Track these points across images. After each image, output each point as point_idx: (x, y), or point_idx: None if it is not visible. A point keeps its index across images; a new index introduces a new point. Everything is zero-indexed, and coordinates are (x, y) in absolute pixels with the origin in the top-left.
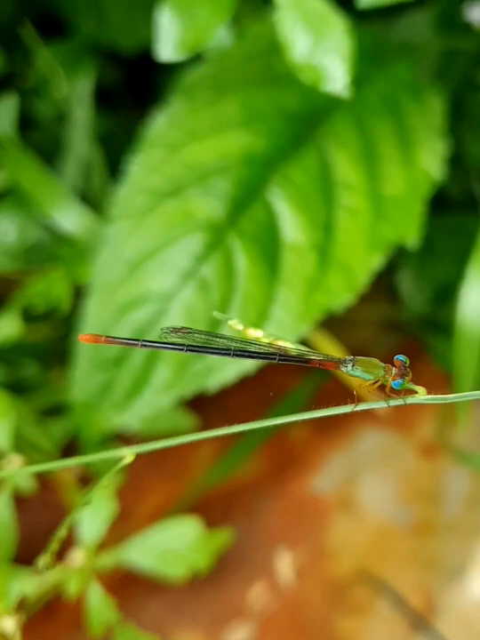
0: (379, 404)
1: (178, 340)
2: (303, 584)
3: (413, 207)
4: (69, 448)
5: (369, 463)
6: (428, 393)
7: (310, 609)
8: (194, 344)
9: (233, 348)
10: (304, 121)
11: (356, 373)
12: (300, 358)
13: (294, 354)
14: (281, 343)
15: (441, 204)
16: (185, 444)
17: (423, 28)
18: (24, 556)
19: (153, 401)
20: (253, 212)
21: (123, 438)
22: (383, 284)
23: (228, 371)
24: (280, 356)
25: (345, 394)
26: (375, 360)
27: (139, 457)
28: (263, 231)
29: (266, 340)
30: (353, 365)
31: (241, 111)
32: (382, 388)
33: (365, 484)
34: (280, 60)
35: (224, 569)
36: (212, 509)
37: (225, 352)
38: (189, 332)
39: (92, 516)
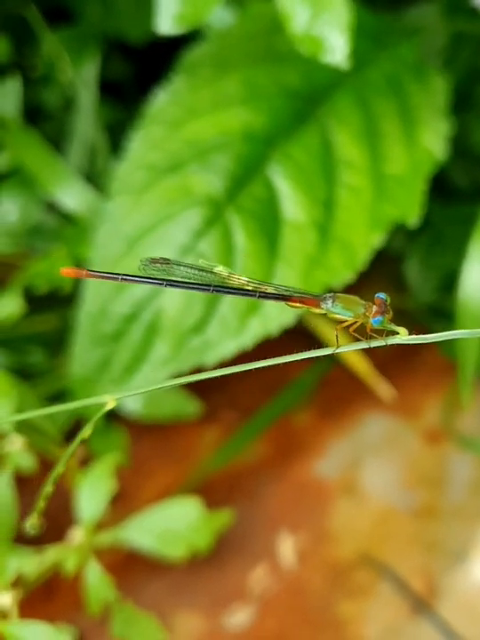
0: (359, 345)
1: (157, 273)
2: (305, 567)
3: (415, 186)
4: (73, 432)
5: (373, 448)
6: (434, 380)
7: (311, 592)
8: (174, 278)
9: (213, 284)
10: (306, 99)
11: (336, 310)
12: (280, 295)
13: (275, 291)
14: (264, 287)
15: (448, 193)
16: (189, 430)
17: (432, 16)
18: (25, 537)
19: (151, 376)
20: (253, 189)
21: (127, 422)
22: (390, 273)
23: (226, 346)
24: (260, 292)
25: (350, 380)
26: (356, 298)
27: (143, 440)
28: (263, 208)
29: (250, 287)
30: (333, 302)
31: (242, 88)
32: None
33: (369, 469)
34: (282, 39)
35: (226, 551)
36: (215, 493)
37: (205, 288)
38: (168, 263)
39: (90, 494)
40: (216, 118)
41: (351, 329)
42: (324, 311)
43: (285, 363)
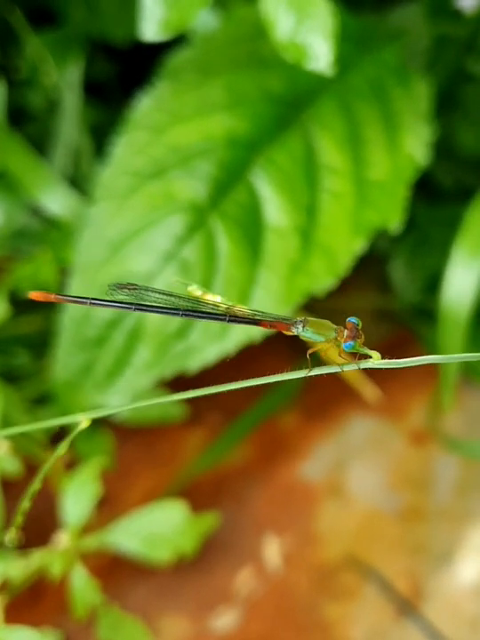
0: (331, 369)
1: (126, 298)
2: (290, 569)
3: (397, 191)
4: (59, 435)
5: (358, 450)
6: (418, 382)
7: (297, 594)
8: (142, 302)
9: (182, 309)
10: (289, 104)
11: (307, 335)
12: (251, 319)
13: (245, 315)
14: (237, 308)
15: (433, 194)
16: (174, 433)
17: (415, 18)
18: None
19: (134, 381)
20: (236, 195)
21: (112, 425)
22: (376, 274)
23: (209, 352)
24: (230, 316)
25: (334, 382)
26: (327, 322)
27: (128, 444)
28: (246, 213)
29: (223, 306)
30: (304, 327)
31: (226, 94)
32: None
33: (354, 471)
34: (266, 44)
35: (211, 554)
36: (200, 496)
37: (174, 312)
38: (136, 289)
39: (75, 498)
40: (200, 124)
41: (322, 354)
42: (294, 334)
43: (270, 364)
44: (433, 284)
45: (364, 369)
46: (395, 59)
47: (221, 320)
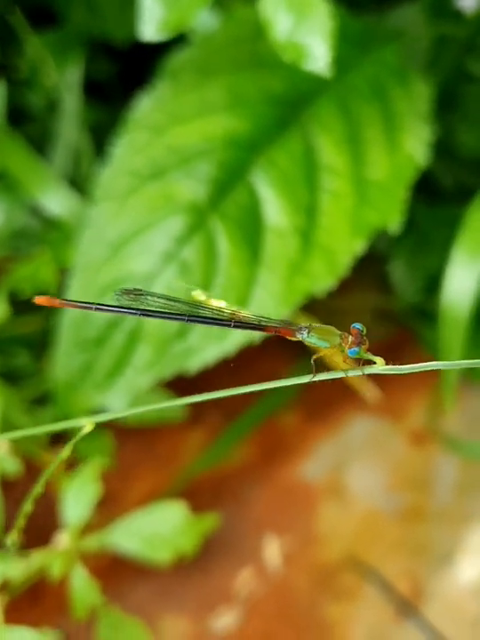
0: (336, 374)
1: (132, 303)
2: (291, 570)
3: (397, 192)
4: (59, 436)
5: (358, 450)
6: (419, 382)
7: (298, 594)
8: (148, 308)
9: (187, 314)
10: (289, 105)
11: (312, 340)
12: (256, 325)
13: (250, 321)
14: (242, 313)
15: (433, 194)
16: (174, 433)
17: (415, 18)
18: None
19: (134, 381)
20: (236, 195)
21: (112, 426)
22: (375, 274)
23: (209, 352)
24: (235, 322)
25: (334, 382)
26: (332, 328)
27: (128, 444)
28: (246, 214)
29: (228, 311)
30: (308, 333)
31: (225, 94)
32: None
33: (354, 471)
34: (265, 45)
35: (212, 554)
36: (200, 496)
37: (179, 317)
38: (142, 294)
39: (75, 499)
40: (199, 124)
41: (326, 360)
42: (299, 340)
43: (270, 364)
44: (433, 284)
45: None
46: (394, 59)
47: (226, 325)
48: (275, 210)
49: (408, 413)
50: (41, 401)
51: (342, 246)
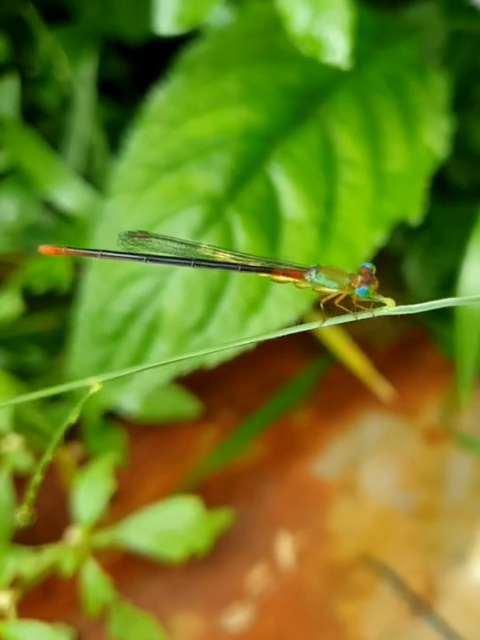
0: (345, 318)
1: (136, 248)
2: (303, 567)
3: (416, 184)
4: (71, 432)
5: (372, 448)
6: (433, 380)
7: (310, 592)
8: (154, 253)
9: (194, 259)
10: (305, 97)
11: (321, 281)
12: (263, 268)
13: (258, 265)
14: (248, 260)
15: (448, 192)
16: (187, 429)
17: (431, 14)
18: (23, 537)
19: (151, 377)
20: (253, 187)
21: (125, 422)
22: (390, 273)
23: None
24: (242, 266)
25: (349, 379)
26: (340, 268)
27: (141, 440)
28: (263, 206)
29: (234, 261)
30: (317, 273)
31: (241, 87)
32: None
33: (368, 469)
34: (281, 38)
35: (224, 552)
36: (213, 493)
37: (186, 261)
38: (146, 237)
39: (87, 495)
40: (215, 117)
41: (336, 301)
42: (308, 283)
43: (284, 361)
44: (448, 282)
45: (376, 365)
46: (411, 53)
47: (233, 269)
48: (292, 202)
49: (422, 411)
50: (54, 398)
51: (361, 238)
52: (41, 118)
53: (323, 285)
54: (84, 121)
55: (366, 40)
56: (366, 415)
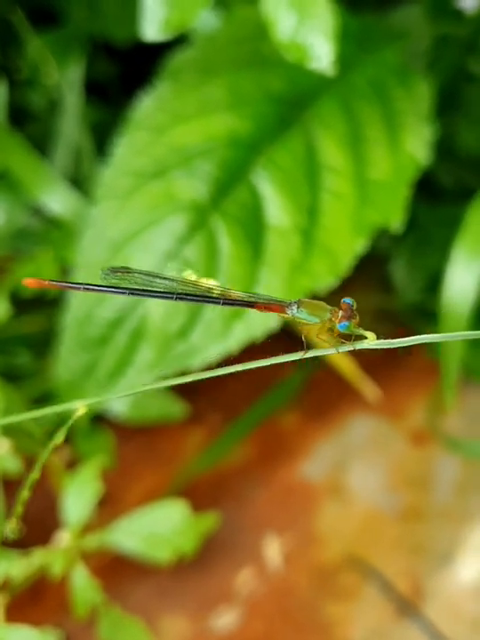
0: (326, 351)
1: (119, 282)
2: (291, 569)
3: (398, 191)
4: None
5: (358, 450)
6: (419, 382)
7: (298, 594)
8: (136, 287)
9: (176, 292)
10: (290, 104)
11: (302, 316)
12: (245, 301)
13: (240, 298)
14: (232, 292)
15: (434, 194)
16: (174, 432)
17: (416, 18)
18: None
19: (136, 381)
20: (238, 195)
21: (113, 425)
22: (377, 274)
23: (211, 351)
24: (224, 299)
25: (334, 382)
26: (321, 303)
27: (128, 443)
28: (247, 213)
29: (217, 291)
30: (298, 308)
31: (227, 94)
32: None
33: (355, 471)
34: (267, 44)
35: (212, 554)
36: (201, 495)
37: (168, 295)
38: (129, 272)
39: (76, 498)
40: (201, 124)
41: (317, 335)
42: (289, 317)
43: (272, 366)
44: (434, 283)
45: (363, 367)
46: (396, 59)
47: (215, 303)
48: (276, 209)
49: (408, 413)
50: (42, 400)
51: (343, 246)
52: (29, 121)
53: (304, 320)
54: (71, 124)
55: (351, 46)
56: (353, 417)
